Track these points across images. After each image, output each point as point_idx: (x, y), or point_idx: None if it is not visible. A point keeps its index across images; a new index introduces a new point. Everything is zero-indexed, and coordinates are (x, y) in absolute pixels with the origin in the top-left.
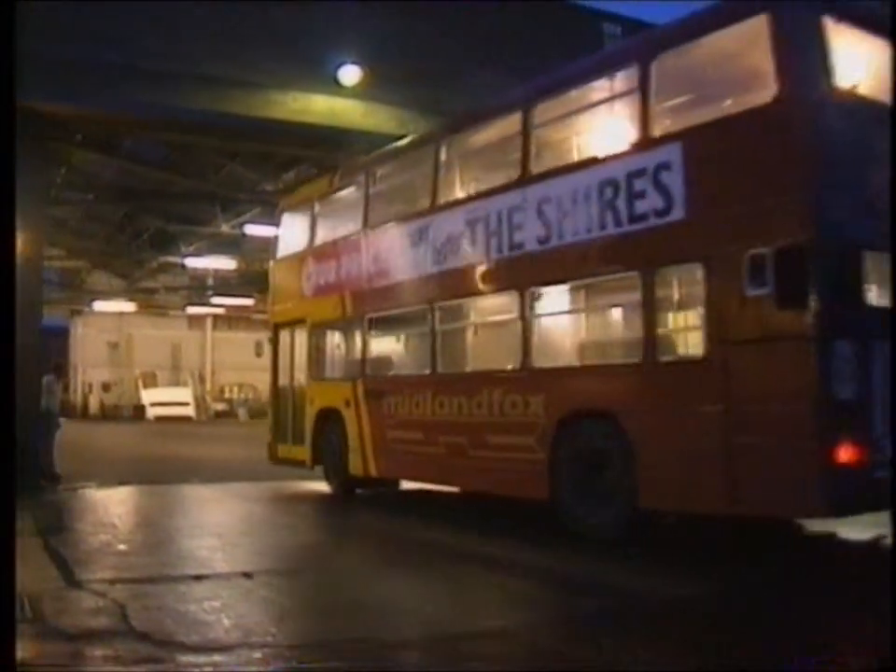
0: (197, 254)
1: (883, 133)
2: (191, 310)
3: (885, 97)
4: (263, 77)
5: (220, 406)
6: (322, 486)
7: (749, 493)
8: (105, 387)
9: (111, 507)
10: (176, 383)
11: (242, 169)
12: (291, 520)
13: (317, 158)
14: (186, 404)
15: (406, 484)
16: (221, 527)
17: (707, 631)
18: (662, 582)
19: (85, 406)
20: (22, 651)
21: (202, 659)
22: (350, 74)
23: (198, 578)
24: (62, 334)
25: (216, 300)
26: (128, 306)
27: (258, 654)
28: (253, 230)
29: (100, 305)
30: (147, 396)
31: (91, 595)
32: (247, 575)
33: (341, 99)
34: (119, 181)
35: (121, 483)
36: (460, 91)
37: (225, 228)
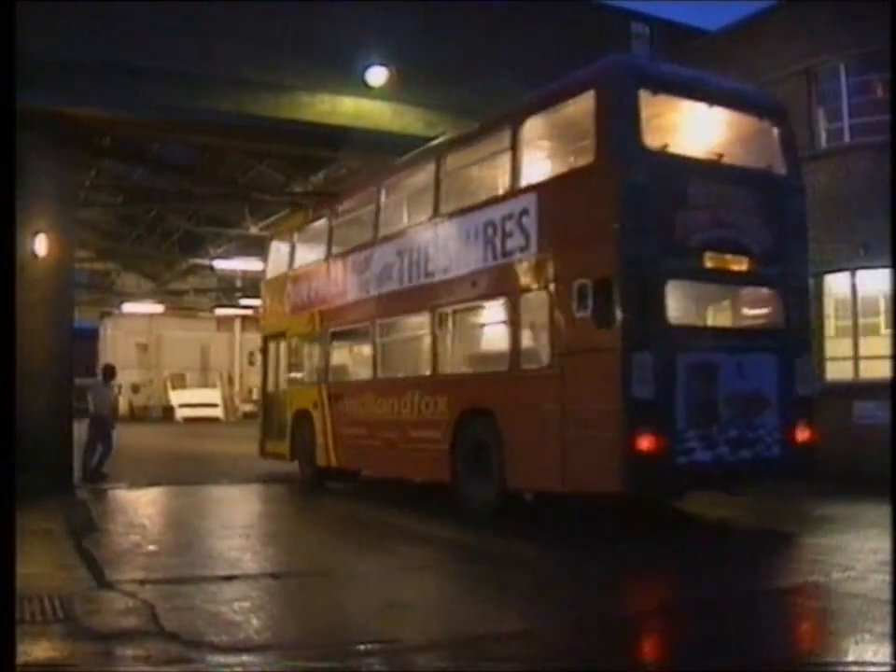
0: (226, 256)
1: (690, 182)
2: (220, 311)
3: (693, 151)
4: (292, 79)
5: (248, 407)
6: (343, 485)
7: (575, 475)
8: (135, 389)
9: (141, 508)
10: (205, 384)
11: (270, 171)
12: (317, 519)
13: (345, 159)
14: (214, 405)
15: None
16: (249, 528)
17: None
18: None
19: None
20: (53, 650)
21: (231, 659)
22: (378, 75)
23: (227, 578)
24: (91, 336)
25: (244, 301)
26: (157, 308)
27: (287, 655)
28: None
29: (129, 307)
30: (176, 397)
31: (122, 596)
32: (275, 576)
33: (368, 100)
34: (148, 183)
35: (151, 483)
36: (487, 92)
37: (253, 229)
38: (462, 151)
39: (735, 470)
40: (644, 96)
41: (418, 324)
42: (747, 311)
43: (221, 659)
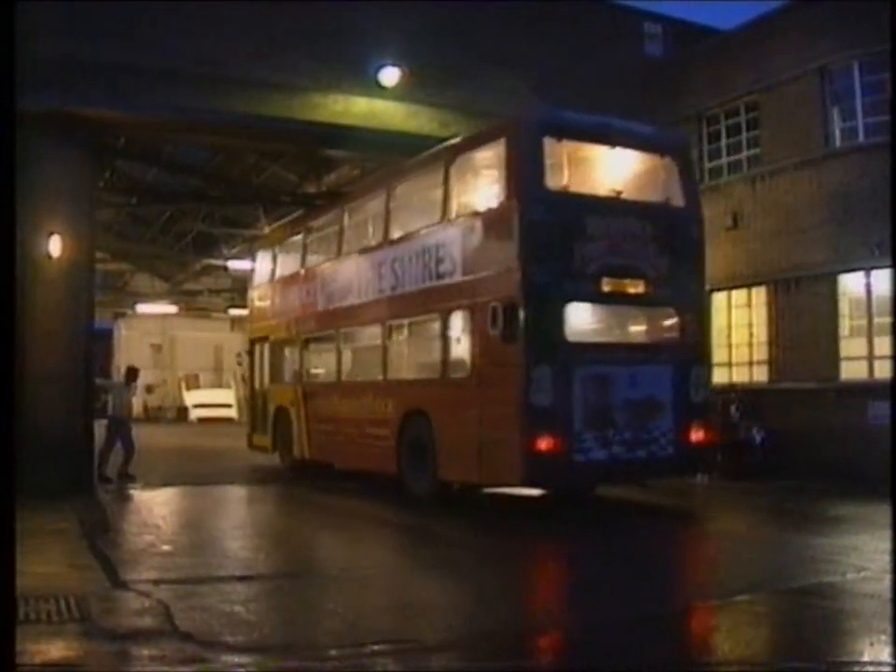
0: (240, 256)
1: (588, 217)
2: (234, 312)
3: (594, 189)
4: (304, 80)
5: None
6: (353, 484)
7: (488, 470)
8: (149, 389)
9: (155, 508)
10: (219, 384)
11: (284, 171)
12: (334, 520)
13: (359, 160)
14: (228, 406)
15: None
16: (263, 528)
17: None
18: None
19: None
20: (69, 650)
21: (246, 660)
22: (391, 75)
23: (241, 578)
24: (106, 337)
25: None
26: (171, 308)
27: (301, 655)
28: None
29: (143, 308)
30: (190, 397)
31: (137, 596)
32: (290, 576)
33: (382, 101)
34: (162, 184)
35: (165, 484)
36: (501, 92)
37: (267, 230)
38: (407, 183)
39: (631, 467)
40: (549, 143)
41: (373, 334)
42: (644, 327)
43: (236, 659)
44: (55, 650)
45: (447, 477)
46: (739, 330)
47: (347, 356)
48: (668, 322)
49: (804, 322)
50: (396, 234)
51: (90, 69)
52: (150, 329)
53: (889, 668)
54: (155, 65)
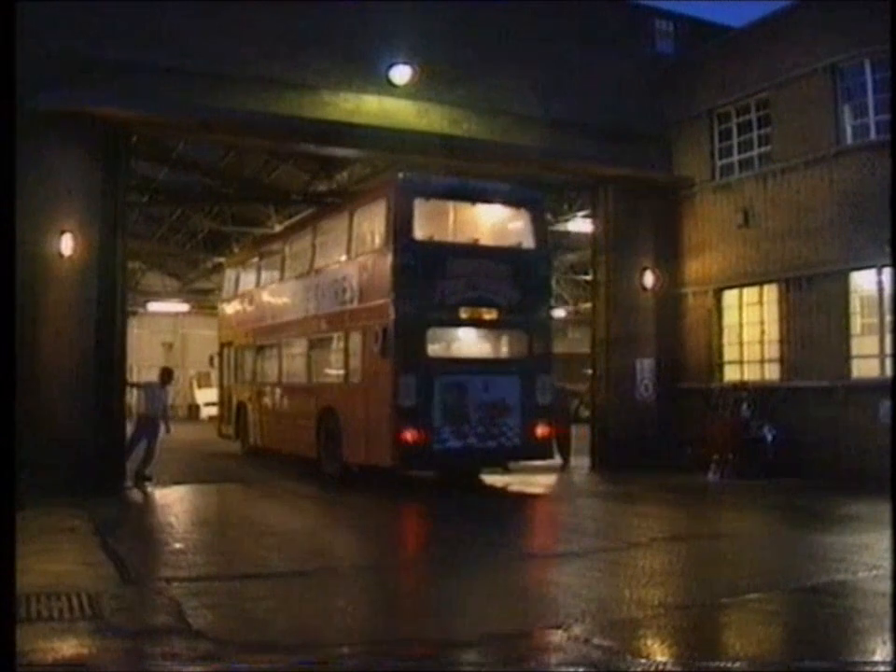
0: None
1: (449, 260)
2: None
3: (456, 237)
4: (315, 79)
5: None
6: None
7: (372, 455)
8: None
9: (167, 506)
10: None
11: (295, 169)
12: (341, 519)
13: (370, 158)
14: None
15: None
16: (275, 526)
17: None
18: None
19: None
20: (81, 647)
21: (258, 658)
22: (402, 73)
23: (254, 577)
24: None
25: None
26: (182, 307)
27: (313, 654)
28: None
29: (154, 306)
30: (202, 396)
31: (149, 594)
32: (302, 574)
33: (392, 99)
34: (173, 182)
35: (176, 482)
36: (512, 90)
37: (278, 228)
38: (327, 223)
39: (482, 455)
40: (418, 203)
41: (301, 346)
42: (497, 345)
43: (248, 658)
44: (67, 647)
45: (350, 461)
46: (750, 328)
47: (285, 362)
48: (518, 341)
49: (815, 320)
50: (317, 265)
51: (103, 68)
52: (162, 327)
53: None
54: (167, 64)
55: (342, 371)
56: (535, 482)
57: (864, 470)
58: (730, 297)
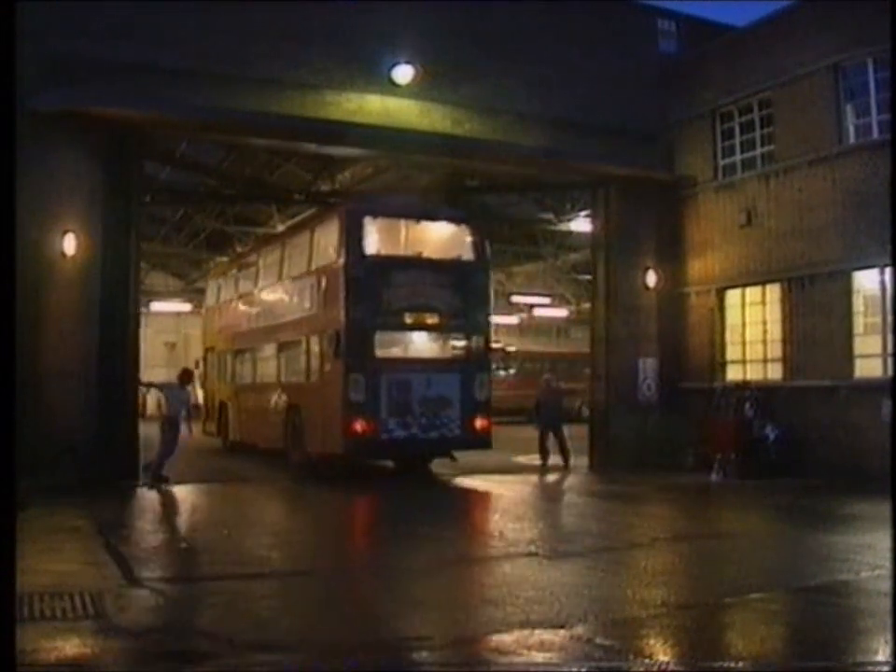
0: None
1: (395, 272)
2: None
3: (402, 252)
4: (318, 78)
5: None
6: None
7: (327, 445)
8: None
9: (170, 505)
10: None
11: (297, 169)
12: (345, 519)
13: (372, 158)
14: None
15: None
16: (277, 525)
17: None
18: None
19: (143, 406)
20: (84, 647)
21: (261, 657)
22: (404, 73)
23: (257, 576)
24: None
25: None
26: (185, 306)
27: (316, 654)
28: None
29: (157, 306)
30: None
31: (152, 593)
32: (304, 573)
33: (395, 99)
34: (176, 182)
35: (178, 482)
36: (515, 89)
37: (281, 228)
38: (294, 238)
39: (425, 444)
40: (368, 222)
41: (272, 349)
42: (439, 347)
43: (251, 657)
44: (70, 647)
45: (311, 450)
46: (753, 328)
47: (259, 364)
48: (458, 343)
49: (818, 319)
50: (285, 277)
51: (105, 68)
52: (164, 326)
53: None
54: (169, 64)
55: (304, 372)
56: (535, 481)
57: (867, 470)
58: (732, 296)
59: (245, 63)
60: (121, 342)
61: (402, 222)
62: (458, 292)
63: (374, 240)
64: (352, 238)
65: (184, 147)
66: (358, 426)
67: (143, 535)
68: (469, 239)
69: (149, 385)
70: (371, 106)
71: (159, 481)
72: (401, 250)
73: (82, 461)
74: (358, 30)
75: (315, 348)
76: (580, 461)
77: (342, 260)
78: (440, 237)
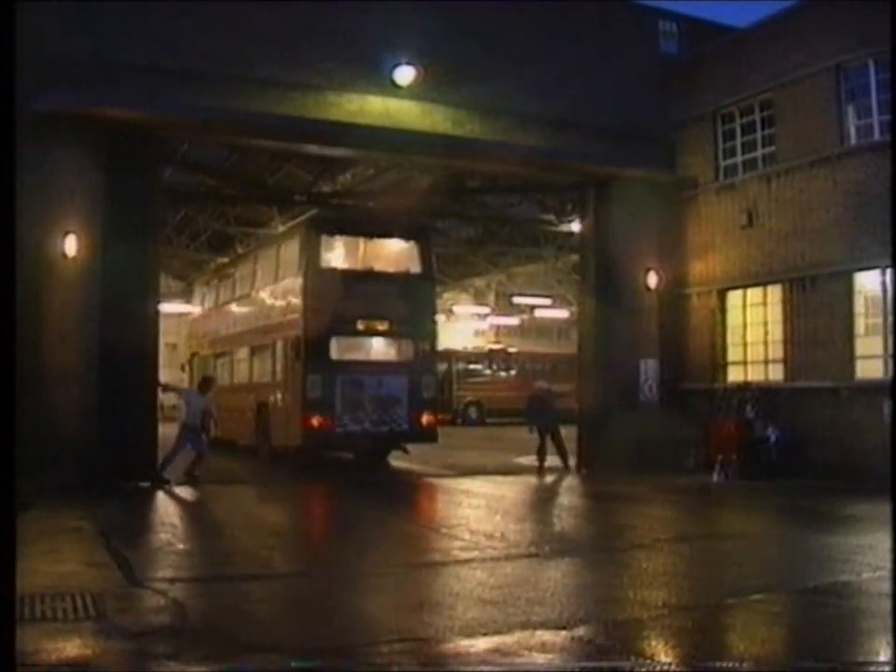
0: None
1: (349, 284)
2: None
3: (356, 266)
4: (319, 79)
5: None
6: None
7: (289, 438)
8: (165, 388)
9: (171, 506)
10: None
11: (298, 170)
12: (346, 520)
13: (374, 159)
14: None
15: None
16: (277, 526)
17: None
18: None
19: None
20: (85, 648)
21: (260, 658)
22: (406, 74)
23: (257, 577)
24: None
25: None
26: (186, 308)
27: (316, 655)
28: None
29: (159, 307)
30: None
31: (152, 594)
32: (304, 575)
33: (396, 100)
34: (177, 184)
35: (179, 483)
36: (516, 90)
37: (282, 229)
38: (264, 252)
39: (377, 437)
40: (324, 239)
41: (245, 352)
42: (389, 351)
43: (251, 658)
44: (71, 648)
45: (276, 443)
46: (754, 329)
47: (235, 366)
48: (406, 347)
49: (819, 320)
50: (256, 287)
51: (105, 69)
52: (166, 327)
53: None
54: (171, 65)
55: (271, 373)
56: (536, 483)
57: (869, 471)
58: (734, 297)
59: (247, 64)
60: (140, 343)
61: (357, 239)
62: (407, 302)
63: (331, 255)
64: (310, 253)
65: (185, 148)
66: (315, 420)
67: (144, 536)
68: (417, 254)
69: (166, 387)
70: (372, 107)
71: (193, 478)
72: (355, 264)
73: (84, 462)
74: (360, 31)
75: (280, 352)
76: (576, 462)
77: (301, 273)
78: (390, 252)
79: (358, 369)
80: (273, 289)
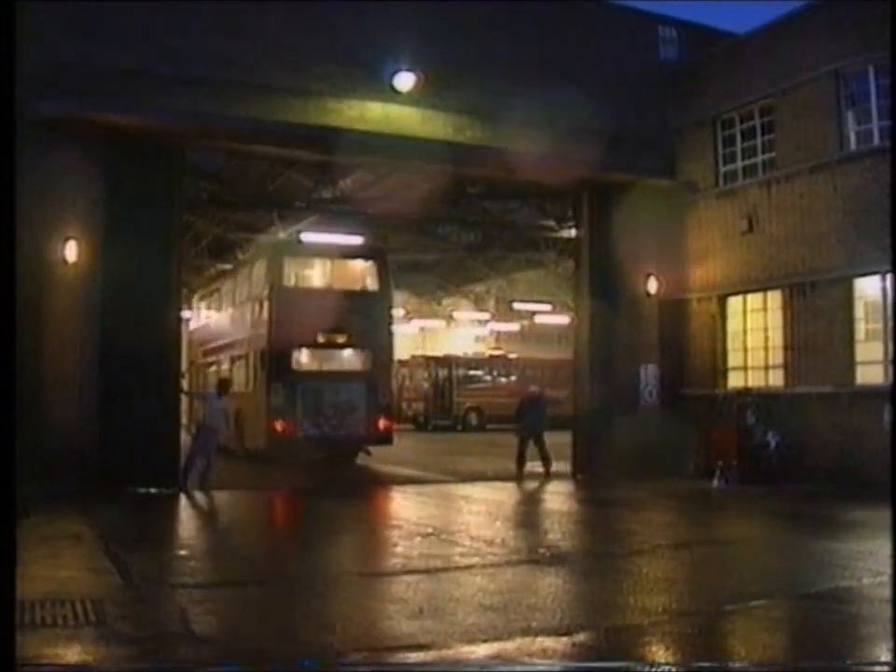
0: None
1: (310, 301)
2: None
3: (317, 284)
4: (320, 86)
5: None
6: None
7: (257, 441)
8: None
9: (173, 511)
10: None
11: (299, 176)
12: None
13: (374, 165)
14: None
15: None
16: (281, 532)
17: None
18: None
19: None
20: (85, 654)
21: (264, 662)
22: (406, 80)
23: (259, 583)
24: None
25: None
26: (186, 314)
27: (315, 662)
28: (309, 238)
29: None
30: None
31: (153, 600)
32: (306, 581)
33: (396, 106)
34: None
35: (180, 487)
36: (516, 96)
37: (283, 235)
38: (243, 269)
39: (336, 441)
40: (287, 261)
41: (227, 362)
42: (347, 361)
43: (251, 664)
44: (71, 654)
45: (249, 446)
46: (754, 334)
47: (221, 373)
48: (363, 358)
49: (819, 326)
50: (235, 302)
51: (106, 75)
52: None
53: None
54: (170, 71)
55: (245, 382)
56: (535, 488)
57: (869, 477)
58: (734, 303)
59: (247, 70)
60: (161, 350)
61: (317, 259)
62: (364, 316)
63: (293, 274)
64: (274, 273)
65: (185, 154)
66: (279, 425)
67: (144, 541)
68: (375, 273)
69: (188, 394)
70: (372, 114)
71: (207, 486)
72: (316, 282)
73: (84, 468)
74: (360, 37)
75: (251, 362)
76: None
77: (267, 291)
78: (349, 271)
79: (319, 378)
80: (247, 305)
